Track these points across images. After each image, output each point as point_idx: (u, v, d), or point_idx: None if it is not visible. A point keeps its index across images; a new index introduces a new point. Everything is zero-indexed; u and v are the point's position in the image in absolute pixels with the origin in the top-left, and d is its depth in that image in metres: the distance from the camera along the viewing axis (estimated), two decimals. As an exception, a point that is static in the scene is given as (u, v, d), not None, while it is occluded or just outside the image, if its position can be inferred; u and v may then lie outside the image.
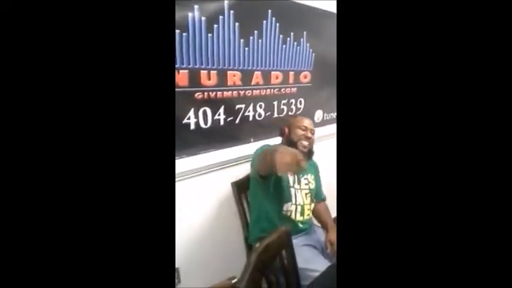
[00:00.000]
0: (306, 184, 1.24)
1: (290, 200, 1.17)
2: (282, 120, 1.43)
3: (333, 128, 1.84)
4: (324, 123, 1.77)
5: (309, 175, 1.27)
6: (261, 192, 1.16)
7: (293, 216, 1.19)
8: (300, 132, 1.21)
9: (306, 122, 1.24)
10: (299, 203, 1.20)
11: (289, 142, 1.21)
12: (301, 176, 1.23)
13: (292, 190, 1.18)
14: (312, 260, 1.08)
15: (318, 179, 1.35)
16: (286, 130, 1.25)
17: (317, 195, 1.33)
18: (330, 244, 1.17)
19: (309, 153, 1.25)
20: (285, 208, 1.17)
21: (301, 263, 1.04)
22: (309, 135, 1.22)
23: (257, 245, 0.78)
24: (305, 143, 1.21)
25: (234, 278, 0.67)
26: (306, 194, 1.24)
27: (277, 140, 1.47)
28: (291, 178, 1.19)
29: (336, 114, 1.86)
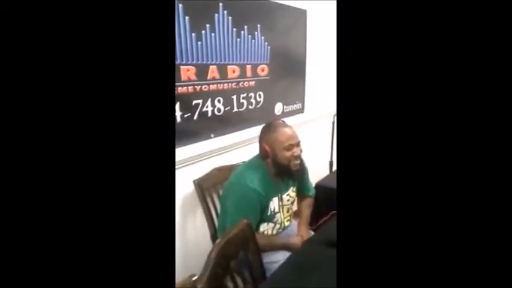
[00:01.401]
0: (287, 200, 1.18)
1: (270, 221, 1.12)
2: (250, 117, 1.39)
3: (293, 119, 1.86)
4: (284, 115, 1.79)
5: (292, 189, 1.20)
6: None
7: (270, 232, 1.15)
8: (287, 154, 1.03)
9: (290, 139, 1.03)
10: (278, 222, 1.16)
11: (278, 165, 1.05)
12: (284, 193, 1.16)
13: (277, 216, 1.14)
14: (275, 253, 1.08)
15: (306, 177, 1.29)
16: (268, 149, 1.05)
17: (304, 191, 1.29)
18: (301, 237, 1.15)
19: (302, 166, 1.13)
20: (261, 228, 1.12)
21: (265, 257, 1.04)
22: (298, 152, 1.05)
23: (218, 240, 0.77)
24: (296, 162, 1.05)
25: (194, 275, 0.65)
26: (288, 209, 1.19)
27: (239, 135, 1.47)
28: (275, 201, 1.12)
29: (295, 105, 1.89)
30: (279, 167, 1.06)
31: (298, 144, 1.06)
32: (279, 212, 1.14)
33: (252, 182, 1.03)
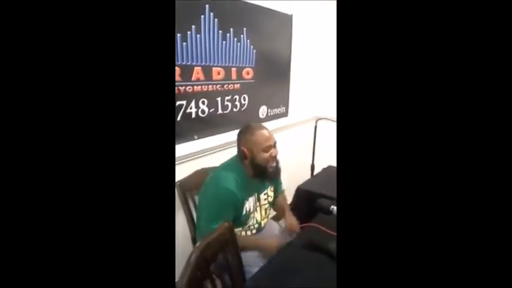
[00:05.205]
0: (265, 200, 1.21)
1: (245, 224, 1.14)
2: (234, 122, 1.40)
3: (277, 123, 1.88)
4: (268, 118, 1.80)
5: (269, 188, 1.23)
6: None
7: (248, 233, 1.16)
8: (265, 155, 1.06)
9: (267, 141, 1.07)
10: (256, 222, 1.17)
11: (255, 166, 1.08)
12: (261, 192, 1.18)
13: (252, 216, 1.15)
14: (250, 258, 1.07)
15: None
16: (247, 151, 1.06)
17: (277, 190, 1.32)
18: (290, 225, 1.20)
19: (277, 167, 1.14)
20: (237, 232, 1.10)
21: (245, 261, 1.02)
22: (275, 153, 1.09)
23: (198, 243, 0.76)
24: (273, 164, 1.09)
25: (173, 278, 0.64)
26: (266, 209, 1.21)
27: (222, 137, 1.46)
28: (251, 201, 1.13)
29: (279, 109, 1.91)
30: (257, 168, 1.08)
31: (274, 145, 1.10)
32: (255, 211, 1.16)
33: (227, 183, 1.04)
